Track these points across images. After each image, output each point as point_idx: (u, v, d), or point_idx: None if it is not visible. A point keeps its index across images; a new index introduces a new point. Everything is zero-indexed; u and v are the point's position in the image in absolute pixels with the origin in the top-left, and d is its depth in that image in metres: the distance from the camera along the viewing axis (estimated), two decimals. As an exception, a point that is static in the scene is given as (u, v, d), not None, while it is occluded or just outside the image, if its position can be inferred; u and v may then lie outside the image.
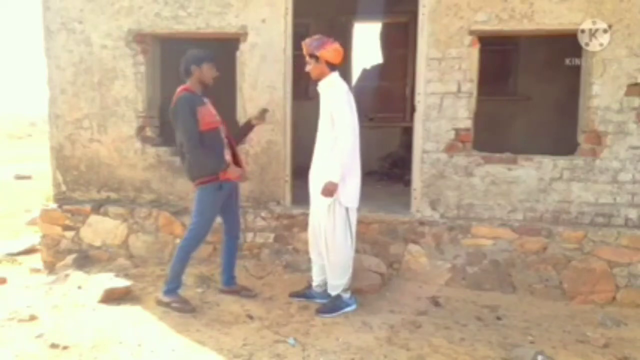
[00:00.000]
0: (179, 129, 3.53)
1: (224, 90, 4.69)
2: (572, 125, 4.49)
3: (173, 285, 3.61)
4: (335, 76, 3.55)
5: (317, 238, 3.72)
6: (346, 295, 3.72)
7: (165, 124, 4.82)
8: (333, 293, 3.72)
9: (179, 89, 3.59)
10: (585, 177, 4.20)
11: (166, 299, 3.58)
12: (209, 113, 3.60)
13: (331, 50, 3.47)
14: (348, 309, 3.69)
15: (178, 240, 4.65)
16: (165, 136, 4.92)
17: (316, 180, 3.65)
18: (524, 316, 3.83)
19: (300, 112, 5.03)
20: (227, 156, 3.67)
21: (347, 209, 3.60)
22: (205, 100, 3.64)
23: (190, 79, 3.60)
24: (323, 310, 3.64)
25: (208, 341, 3.16)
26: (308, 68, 3.56)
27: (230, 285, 3.92)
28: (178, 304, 3.56)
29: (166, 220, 4.74)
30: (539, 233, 4.20)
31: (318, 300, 3.80)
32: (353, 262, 3.74)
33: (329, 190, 3.46)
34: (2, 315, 3.41)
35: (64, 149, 4.98)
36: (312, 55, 3.49)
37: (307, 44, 3.51)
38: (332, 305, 3.68)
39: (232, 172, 3.58)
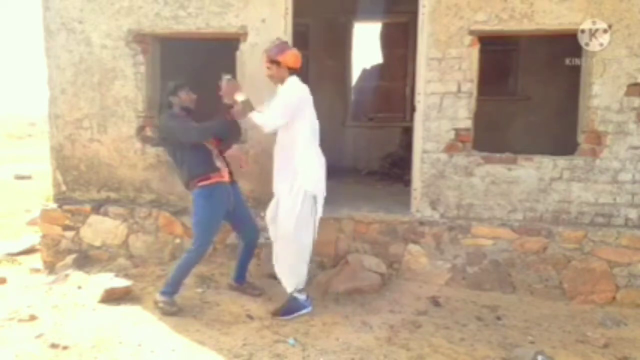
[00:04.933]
0: (177, 131, 3.59)
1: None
2: (572, 125, 4.49)
3: (171, 289, 3.61)
4: (294, 79, 3.64)
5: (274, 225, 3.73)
6: (302, 297, 3.64)
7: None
8: (288, 290, 3.64)
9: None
10: (585, 177, 4.20)
11: (158, 298, 3.58)
12: None
13: (291, 56, 3.60)
14: (304, 311, 3.61)
15: (178, 240, 4.68)
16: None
17: (280, 174, 3.73)
18: (524, 316, 3.84)
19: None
20: (219, 163, 3.72)
21: (314, 198, 3.57)
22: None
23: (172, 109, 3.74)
24: (281, 312, 3.59)
25: (208, 341, 3.16)
26: (269, 73, 3.66)
27: (240, 283, 3.96)
28: (164, 304, 3.55)
29: (166, 220, 4.74)
30: (539, 233, 4.20)
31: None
32: (353, 262, 3.72)
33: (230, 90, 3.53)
34: (2, 315, 3.41)
35: (64, 149, 4.98)
36: (273, 62, 3.61)
37: (267, 51, 3.66)
38: (288, 306, 3.61)
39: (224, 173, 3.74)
